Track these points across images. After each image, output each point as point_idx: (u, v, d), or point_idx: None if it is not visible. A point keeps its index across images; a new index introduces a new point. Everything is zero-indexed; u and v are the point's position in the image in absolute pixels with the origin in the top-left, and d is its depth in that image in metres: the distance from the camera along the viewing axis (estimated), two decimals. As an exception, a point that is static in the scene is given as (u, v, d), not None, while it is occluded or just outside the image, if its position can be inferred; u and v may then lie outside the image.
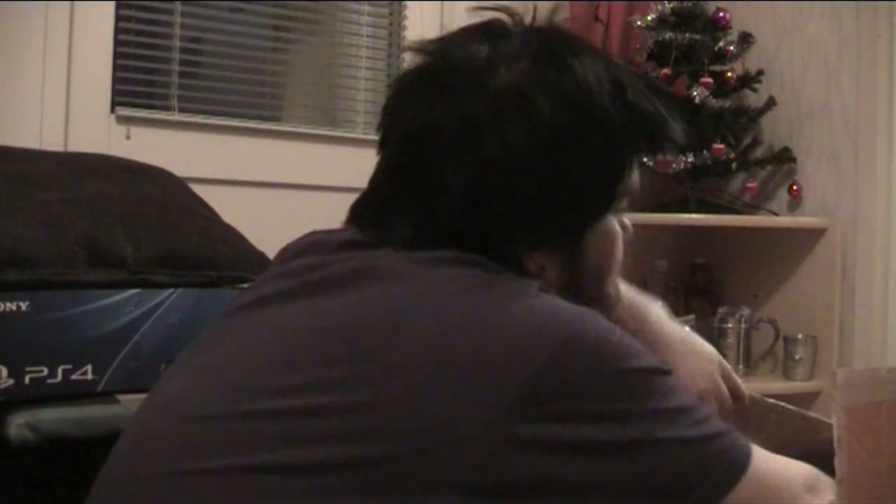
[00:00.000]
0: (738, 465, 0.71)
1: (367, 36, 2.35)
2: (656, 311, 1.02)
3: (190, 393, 0.70)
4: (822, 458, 0.78)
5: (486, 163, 0.71)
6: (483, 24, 0.82)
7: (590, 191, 0.75)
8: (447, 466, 0.60)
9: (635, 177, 0.79)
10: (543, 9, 0.83)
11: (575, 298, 0.70)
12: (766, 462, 0.75)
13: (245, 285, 1.36)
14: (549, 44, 0.78)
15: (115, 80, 1.99)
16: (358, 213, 0.79)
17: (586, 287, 0.79)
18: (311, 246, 0.81)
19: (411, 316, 0.66)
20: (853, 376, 0.78)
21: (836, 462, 0.75)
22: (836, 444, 0.75)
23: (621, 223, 0.81)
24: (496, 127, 0.71)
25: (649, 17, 2.20)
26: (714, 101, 2.11)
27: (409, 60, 0.80)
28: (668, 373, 0.70)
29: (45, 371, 1.16)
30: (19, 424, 1.11)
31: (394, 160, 0.78)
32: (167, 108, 2.05)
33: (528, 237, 0.73)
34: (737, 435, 0.73)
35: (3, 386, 1.13)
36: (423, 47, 0.79)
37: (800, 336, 2.05)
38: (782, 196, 2.23)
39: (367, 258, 0.72)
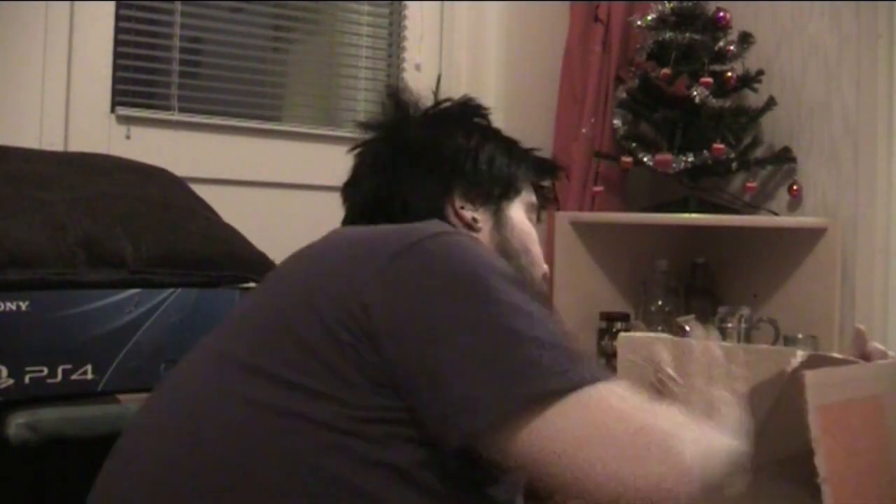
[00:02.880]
0: (574, 378, 0.74)
1: (367, 36, 2.35)
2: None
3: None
4: None
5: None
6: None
7: (491, 171, 1.07)
8: (331, 314, 0.80)
9: (532, 195, 1.12)
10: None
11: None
12: (630, 400, 0.75)
13: (245, 285, 1.36)
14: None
15: (115, 80, 1.99)
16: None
17: (514, 261, 1.03)
18: None
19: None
20: (822, 376, 0.78)
21: (817, 462, 0.75)
22: (813, 445, 0.75)
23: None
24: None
25: (649, 17, 2.20)
26: (714, 101, 2.11)
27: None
28: (522, 286, 0.82)
29: (45, 371, 1.16)
30: (19, 424, 1.11)
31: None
32: (167, 108, 2.05)
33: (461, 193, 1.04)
34: (589, 359, 0.77)
35: (3, 386, 1.13)
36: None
37: (800, 336, 2.05)
38: (782, 196, 2.22)
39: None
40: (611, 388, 0.75)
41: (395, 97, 1.12)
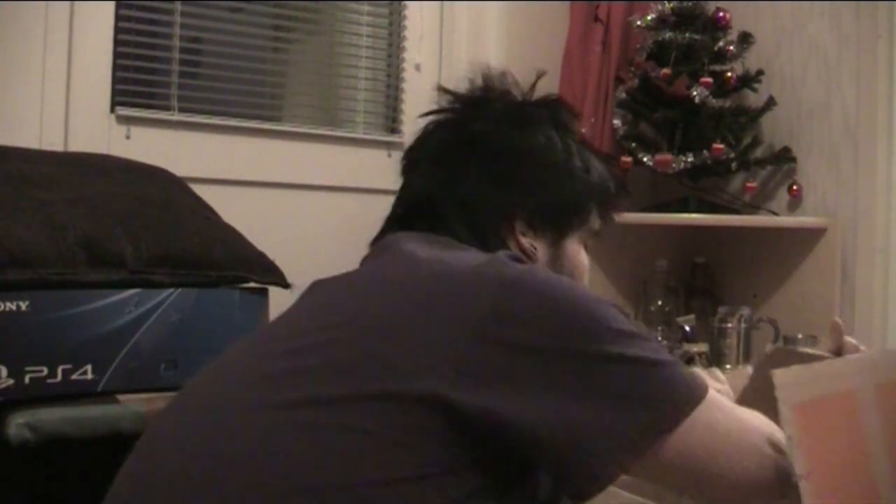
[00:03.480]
0: (694, 394, 0.77)
1: (367, 36, 2.35)
2: None
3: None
4: None
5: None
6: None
7: (563, 196, 0.98)
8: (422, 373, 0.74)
9: (596, 223, 1.03)
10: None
11: None
12: (725, 405, 0.81)
13: (245, 285, 1.36)
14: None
15: (115, 80, 1.99)
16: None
17: None
18: None
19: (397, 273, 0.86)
20: (792, 374, 0.79)
21: (794, 460, 0.76)
22: (787, 443, 0.76)
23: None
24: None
25: (649, 17, 2.20)
26: (714, 101, 2.11)
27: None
28: (617, 307, 0.80)
29: (45, 371, 1.16)
30: (19, 424, 1.11)
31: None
32: (167, 108, 2.05)
33: (524, 218, 0.96)
34: (692, 372, 0.80)
35: (3, 386, 1.13)
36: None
37: (800, 336, 2.04)
38: (782, 196, 2.22)
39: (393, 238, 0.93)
40: (713, 395, 0.79)
41: (486, 78, 1.01)
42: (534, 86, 1.03)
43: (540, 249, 0.96)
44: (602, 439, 0.74)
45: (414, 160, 1.00)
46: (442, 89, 1.01)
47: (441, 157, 0.97)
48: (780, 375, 0.77)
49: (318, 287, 0.93)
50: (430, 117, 1.01)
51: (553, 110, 1.01)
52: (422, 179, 0.98)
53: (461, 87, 1.02)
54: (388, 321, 0.78)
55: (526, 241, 0.95)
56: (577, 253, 1.01)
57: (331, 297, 0.88)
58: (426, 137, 1.00)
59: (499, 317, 0.76)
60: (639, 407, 0.75)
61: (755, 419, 0.82)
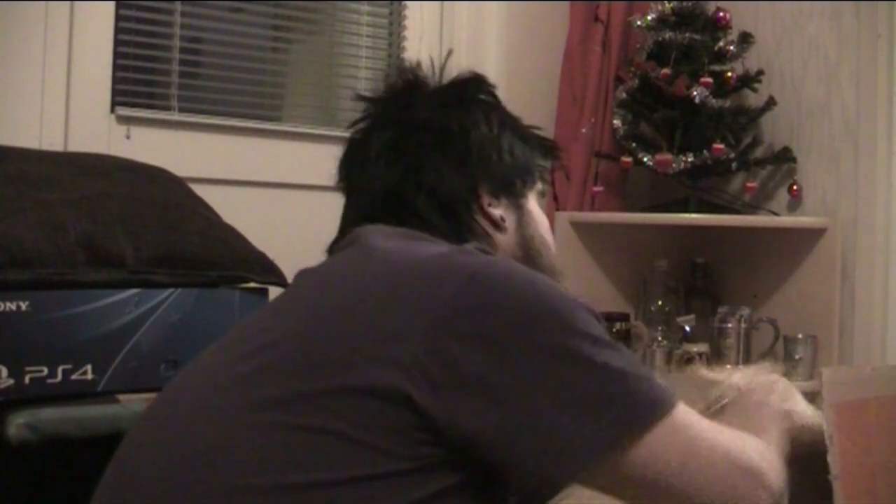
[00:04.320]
0: (661, 404, 0.75)
1: (367, 36, 2.35)
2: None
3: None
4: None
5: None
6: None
7: (515, 163, 1.00)
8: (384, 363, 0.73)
9: (541, 183, 1.05)
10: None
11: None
12: (697, 420, 0.78)
13: (245, 285, 1.36)
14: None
15: (115, 80, 1.98)
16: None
17: (538, 258, 0.99)
18: None
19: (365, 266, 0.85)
20: (839, 374, 0.79)
21: (829, 458, 0.76)
22: (826, 441, 0.76)
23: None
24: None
25: (649, 17, 2.20)
26: (714, 101, 2.11)
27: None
28: (588, 309, 0.78)
29: (45, 371, 1.16)
30: (19, 424, 1.11)
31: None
32: (167, 108, 2.05)
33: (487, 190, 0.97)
34: (662, 384, 0.77)
35: (3, 386, 1.13)
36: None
37: (800, 336, 2.05)
38: (782, 196, 2.22)
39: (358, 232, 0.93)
40: (684, 408, 0.78)
41: (408, 72, 1.04)
42: (443, 67, 1.06)
43: (507, 218, 0.98)
44: (563, 442, 0.72)
45: (358, 162, 1.01)
46: (360, 97, 1.04)
47: (393, 151, 0.97)
48: (829, 374, 0.78)
49: (295, 280, 0.95)
50: (359, 125, 1.03)
51: (475, 85, 1.04)
52: (377, 178, 0.98)
53: (376, 90, 1.05)
54: (349, 313, 0.78)
55: (495, 212, 0.97)
56: (539, 213, 1.04)
57: (297, 292, 0.90)
58: (365, 140, 1.01)
59: (459, 308, 0.74)
60: (603, 410, 0.73)
61: (740, 441, 0.79)
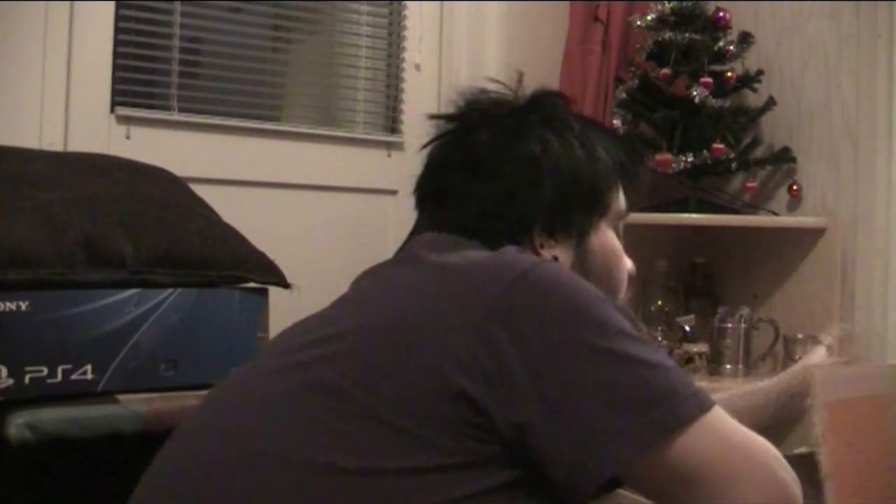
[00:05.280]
0: (702, 403, 0.76)
1: (367, 36, 2.35)
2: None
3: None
4: None
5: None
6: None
7: (575, 196, 0.95)
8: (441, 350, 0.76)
9: (621, 201, 1.00)
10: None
11: None
12: (733, 422, 0.80)
13: (244, 285, 1.36)
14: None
15: (115, 80, 1.99)
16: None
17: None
18: None
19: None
20: (831, 373, 0.79)
21: (821, 457, 0.76)
22: (819, 440, 0.76)
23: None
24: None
25: (649, 17, 2.20)
26: (714, 101, 2.11)
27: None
28: (623, 311, 0.80)
29: (45, 371, 1.16)
30: (19, 424, 1.11)
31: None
32: (167, 108, 2.05)
33: (541, 228, 0.94)
34: (699, 386, 0.79)
35: (3, 386, 1.13)
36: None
37: (800, 336, 2.05)
38: (782, 196, 2.23)
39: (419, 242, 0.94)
40: (718, 409, 0.79)
41: (474, 96, 1.00)
42: (520, 85, 1.01)
43: (562, 256, 0.95)
44: (604, 437, 0.74)
45: (423, 194, 1.01)
46: (432, 116, 1.02)
47: (446, 186, 0.97)
48: (820, 372, 0.78)
49: (358, 282, 0.96)
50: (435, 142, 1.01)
51: (542, 108, 0.99)
52: (434, 214, 0.98)
53: (464, 96, 1.01)
54: (409, 310, 0.81)
55: (546, 253, 0.94)
56: (608, 242, 0.99)
57: (360, 291, 0.93)
58: (431, 168, 1.00)
59: (510, 303, 0.77)
60: (645, 406, 0.74)
61: (758, 437, 0.81)
